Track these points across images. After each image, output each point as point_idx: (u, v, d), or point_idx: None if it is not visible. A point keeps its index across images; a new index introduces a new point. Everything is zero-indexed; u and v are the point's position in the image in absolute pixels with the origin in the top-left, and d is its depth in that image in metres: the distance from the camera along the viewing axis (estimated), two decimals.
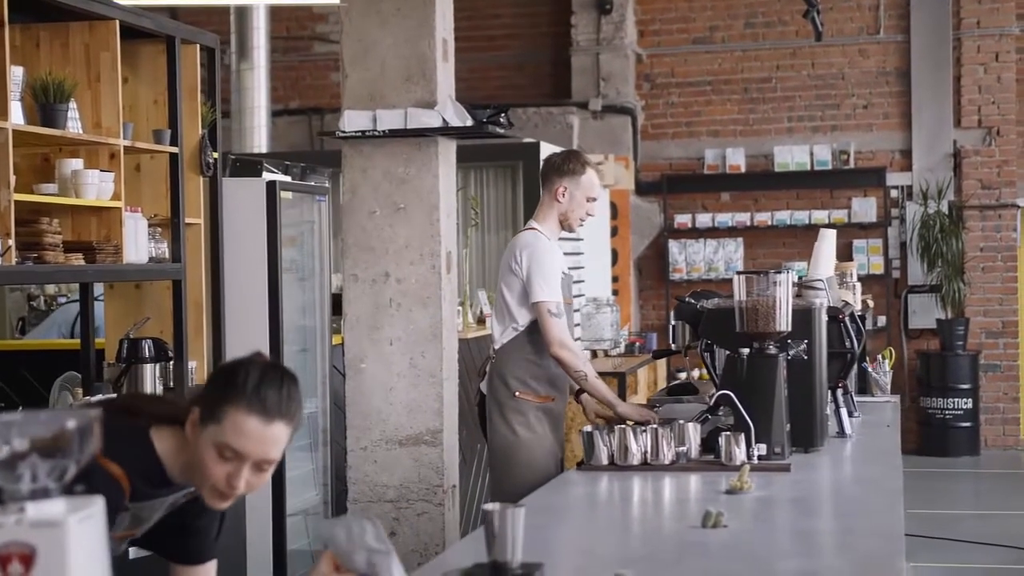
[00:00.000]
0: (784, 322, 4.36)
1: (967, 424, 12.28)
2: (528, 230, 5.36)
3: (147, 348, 5.42)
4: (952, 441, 12.24)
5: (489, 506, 2.68)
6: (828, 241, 5.58)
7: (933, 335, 12.58)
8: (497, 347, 5.27)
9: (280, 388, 2.59)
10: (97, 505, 1.76)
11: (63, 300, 8.85)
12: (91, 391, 5.23)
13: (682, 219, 12.97)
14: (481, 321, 8.13)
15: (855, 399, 5.67)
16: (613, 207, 12.42)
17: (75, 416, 1.73)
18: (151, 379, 5.40)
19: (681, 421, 4.37)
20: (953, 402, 12.24)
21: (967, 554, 8.38)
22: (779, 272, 4.38)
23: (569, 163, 5.33)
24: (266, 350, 6.27)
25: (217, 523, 2.91)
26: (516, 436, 5.17)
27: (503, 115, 6.03)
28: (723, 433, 4.22)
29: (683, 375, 11.62)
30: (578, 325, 10.09)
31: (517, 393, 5.21)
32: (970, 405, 12.27)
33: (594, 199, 5.37)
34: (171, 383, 5.56)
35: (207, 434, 2.58)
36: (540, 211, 5.40)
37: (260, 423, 2.55)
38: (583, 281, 10.77)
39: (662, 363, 11.44)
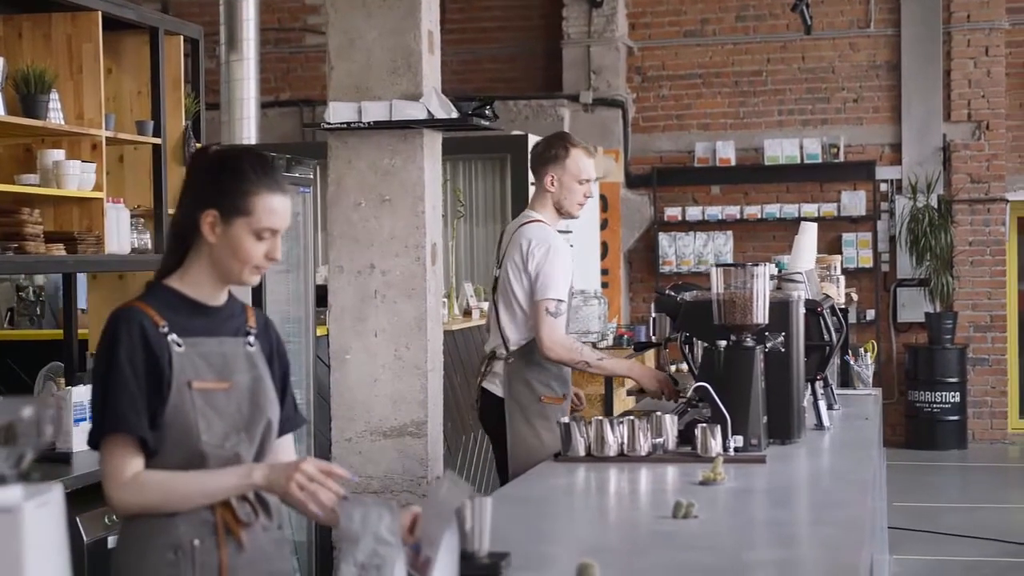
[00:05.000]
0: (761, 315, 4.37)
1: (955, 417, 12.32)
2: (533, 223, 5.19)
3: None
4: (940, 434, 12.28)
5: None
6: (809, 234, 5.61)
7: (922, 328, 12.61)
8: (513, 348, 5.13)
9: (275, 167, 2.94)
10: (55, 492, 1.78)
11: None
12: (73, 381, 5.24)
13: (672, 212, 12.99)
14: (467, 313, 8.15)
15: (836, 392, 5.69)
16: (603, 200, 12.44)
17: (31, 404, 1.75)
18: None
19: (659, 413, 4.39)
20: (941, 395, 12.28)
21: (953, 547, 8.41)
22: (757, 265, 4.40)
23: (551, 149, 5.20)
24: None
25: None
26: (541, 441, 5.01)
27: (488, 107, 6.03)
28: (699, 425, 4.23)
29: (673, 367, 11.64)
30: None
31: (543, 398, 5.10)
32: (958, 399, 12.31)
33: (587, 180, 5.20)
34: None
35: (237, 227, 2.84)
36: (536, 201, 5.26)
37: (282, 199, 2.88)
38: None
39: (651, 355, 11.47)
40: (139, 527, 2.84)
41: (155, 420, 2.79)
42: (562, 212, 5.24)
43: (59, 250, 4.96)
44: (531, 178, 9.99)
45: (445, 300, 7.73)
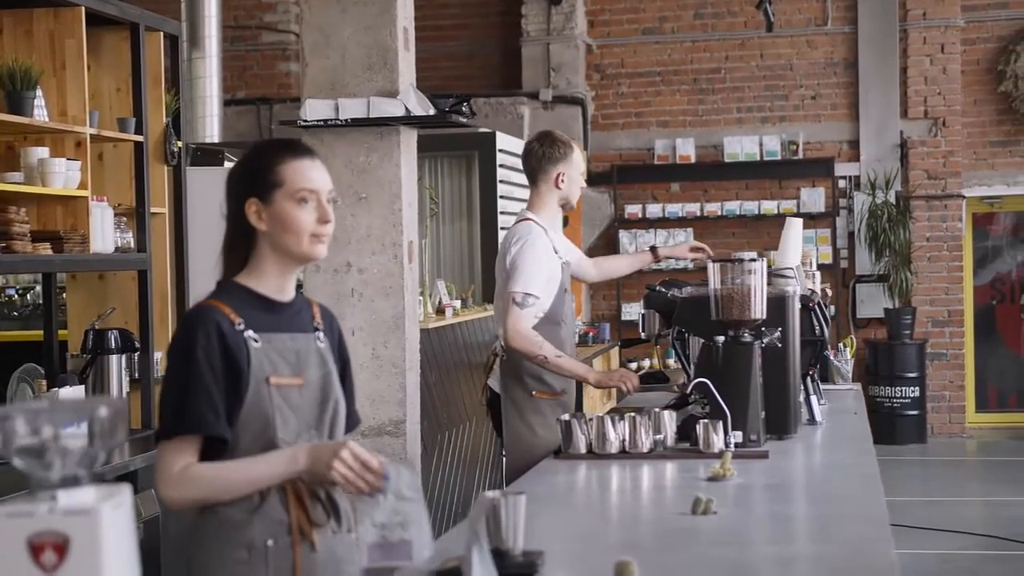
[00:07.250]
0: (759, 310, 4.38)
1: (914, 412, 12.42)
2: (522, 221, 5.24)
3: (113, 339, 5.35)
4: (899, 429, 12.37)
5: (491, 494, 2.68)
6: (795, 229, 5.63)
7: (880, 324, 12.71)
8: (506, 345, 5.12)
9: (296, 140, 2.96)
10: (126, 493, 1.74)
11: (11, 291, 8.74)
12: (56, 383, 5.16)
13: (632, 209, 13.01)
14: (440, 311, 8.11)
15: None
16: None
17: (105, 403, 1.71)
18: (117, 370, 5.33)
19: (657, 409, 4.39)
20: (900, 390, 12.37)
21: (916, 540, 8.47)
22: (754, 260, 4.40)
23: (557, 148, 5.25)
24: None
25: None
26: (536, 436, 5.06)
27: (465, 104, 6.02)
28: (700, 421, 4.23)
29: (633, 365, 11.68)
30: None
31: (535, 393, 5.12)
32: (917, 393, 12.41)
33: (582, 172, 5.35)
34: (137, 374, 5.50)
35: (278, 202, 2.84)
36: (536, 201, 5.28)
37: (309, 161, 2.89)
38: None
39: (615, 353, 11.50)
40: (214, 524, 2.81)
41: (231, 418, 2.77)
42: (566, 207, 5.32)
43: (45, 249, 4.88)
44: (497, 177, 9.94)
45: (420, 298, 7.69)
